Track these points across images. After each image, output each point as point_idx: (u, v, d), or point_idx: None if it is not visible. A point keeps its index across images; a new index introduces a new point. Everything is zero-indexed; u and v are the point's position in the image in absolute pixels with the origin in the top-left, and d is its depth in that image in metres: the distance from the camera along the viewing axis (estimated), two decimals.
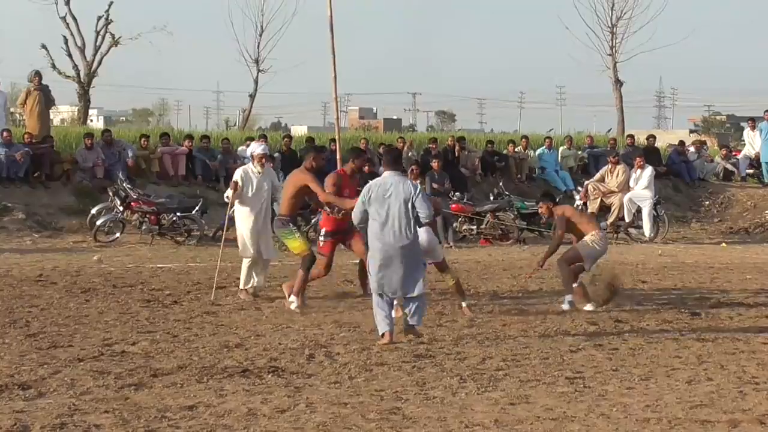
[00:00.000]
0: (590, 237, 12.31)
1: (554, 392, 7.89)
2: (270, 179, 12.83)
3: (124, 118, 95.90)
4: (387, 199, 9.76)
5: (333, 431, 6.81)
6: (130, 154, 22.03)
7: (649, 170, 22.09)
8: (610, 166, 22.42)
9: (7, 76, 69.45)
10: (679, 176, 26.70)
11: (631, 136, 28.35)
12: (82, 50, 35.03)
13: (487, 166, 24.89)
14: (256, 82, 36.70)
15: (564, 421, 7.05)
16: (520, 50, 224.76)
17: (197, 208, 19.64)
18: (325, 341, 9.84)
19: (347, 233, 12.04)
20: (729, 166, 27.65)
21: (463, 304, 11.61)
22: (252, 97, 37.58)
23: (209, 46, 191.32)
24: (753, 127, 27.59)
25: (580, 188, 22.93)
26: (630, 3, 36.69)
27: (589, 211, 21.07)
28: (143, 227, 19.46)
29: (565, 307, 12.05)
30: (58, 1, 34.69)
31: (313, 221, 18.64)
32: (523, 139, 26.42)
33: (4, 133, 20.95)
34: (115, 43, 35.31)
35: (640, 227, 21.87)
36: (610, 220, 21.45)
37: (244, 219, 12.66)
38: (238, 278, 12.92)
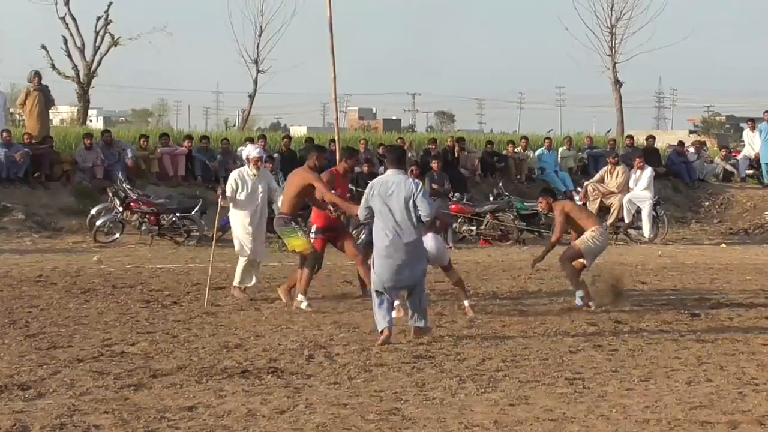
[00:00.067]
0: (590, 233, 12.31)
1: (554, 393, 7.89)
2: (266, 182, 12.77)
3: (123, 119, 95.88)
4: (389, 197, 9.80)
5: None
6: (130, 155, 22.02)
7: (648, 171, 22.10)
8: (609, 167, 22.42)
9: (7, 76, 69.55)
10: (678, 177, 26.71)
11: (631, 137, 28.36)
12: (81, 50, 35.04)
13: (486, 166, 24.89)
14: (255, 82, 36.73)
15: (563, 422, 7.05)
16: (519, 51, 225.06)
17: (197, 208, 19.64)
18: (324, 342, 9.84)
19: (338, 232, 12.08)
20: (728, 167, 27.66)
21: (465, 303, 11.63)
22: (251, 97, 37.60)
23: (209, 47, 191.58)
24: (753, 128, 27.60)
25: (579, 189, 22.94)
26: (629, 3, 36.70)
27: None
28: (143, 228, 19.46)
29: (578, 303, 12.06)
30: (58, 2, 34.75)
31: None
32: (523, 140, 26.42)
33: (4, 134, 20.94)
34: (115, 43, 35.33)
35: (639, 228, 21.88)
36: (610, 220, 21.44)
37: (239, 221, 12.63)
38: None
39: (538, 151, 25.76)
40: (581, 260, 12.39)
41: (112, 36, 35.26)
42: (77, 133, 24.46)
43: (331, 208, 11.76)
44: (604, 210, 21.82)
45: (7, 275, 14.59)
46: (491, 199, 22.10)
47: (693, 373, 8.71)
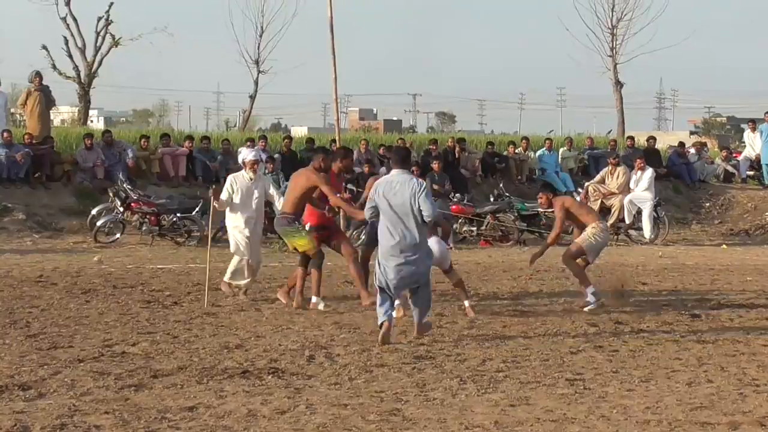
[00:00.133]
0: (591, 230, 12.32)
1: (554, 394, 7.89)
2: (263, 185, 12.73)
3: (124, 119, 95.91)
4: (394, 197, 9.83)
5: None
6: (131, 155, 22.04)
7: (649, 172, 22.10)
8: (610, 168, 22.42)
9: (8, 76, 69.43)
10: (679, 178, 26.71)
11: (632, 138, 28.37)
12: (82, 51, 35.08)
13: (487, 167, 24.90)
14: (256, 83, 36.79)
15: (564, 423, 7.04)
16: (520, 51, 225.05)
17: (197, 209, 19.62)
18: (325, 342, 9.84)
19: (331, 230, 12.09)
20: (729, 168, 27.66)
21: (466, 304, 11.64)
22: (252, 98, 37.65)
23: (209, 47, 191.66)
24: (753, 129, 27.60)
25: (580, 190, 22.94)
26: (630, 4, 36.79)
27: None
28: (143, 228, 19.47)
29: (590, 299, 12.05)
30: (59, 2, 34.81)
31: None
32: (524, 141, 26.43)
33: (5, 134, 20.96)
34: (116, 43, 35.37)
35: (640, 229, 21.87)
36: (611, 221, 21.43)
37: (235, 225, 12.60)
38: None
39: (538, 152, 25.76)
40: (585, 257, 12.41)
41: (113, 36, 35.31)
42: (78, 134, 24.49)
43: (329, 210, 11.78)
44: (604, 211, 21.80)
45: (8, 275, 14.59)
46: (492, 199, 22.11)
47: (694, 374, 8.71)
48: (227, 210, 12.64)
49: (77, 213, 20.55)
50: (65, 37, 34.95)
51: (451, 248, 19.23)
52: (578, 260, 12.41)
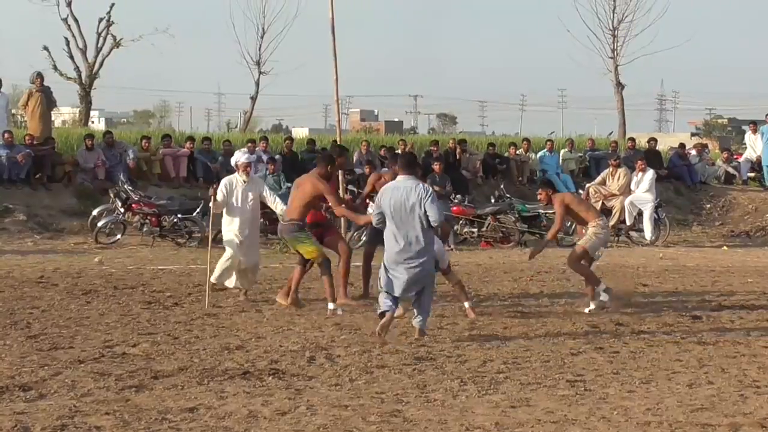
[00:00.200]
0: (592, 229, 12.35)
1: (555, 395, 7.89)
2: (257, 188, 12.69)
3: (125, 120, 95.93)
4: (400, 203, 9.82)
5: None
6: (131, 156, 22.04)
7: (650, 173, 22.10)
8: (611, 169, 22.43)
9: (9, 77, 69.61)
10: (680, 179, 26.71)
11: (633, 139, 28.37)
12: (83, 52, 35.12)
13: (488, 168, 24.91)
14: (257, 84, 36.80)
15: (565, 424, 7.05)
16: (521, 53, 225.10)
17: (198, 209, 19.62)
18: (325, 343, 9.83)
19: (325, 228, 12.10)
20: (730, 170, 27.65)
21: (466, 305, 11.63)
22: (253, 99, 37.66)
23: (210, 48, 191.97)
24: (754, 131, 27.60)
25: (581, 191, 22.91)
26: (631, 6, 36.77)
27: None
28: (144, 229, 19.48)
29: (604, 298, 12.07)
30: (60, 3, 34.87)
31: None
32: (525, 142, 26.44)
33: (6, 135, 20.97)
34: (117, 44, 35.42)
35: (641, 230, 21.87)
36: (611, 223, 21.40)
37: (229, 228, 12.59)
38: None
39: (539, 153, 25.76)
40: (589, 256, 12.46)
41: (114, 37, 35.36)
42: (79, 134, 24.51)
43: (326, 210, 11.80)
44: (605, 212, 21.80)
45: (9, 276, 14.60)
46: (493, 201, 22.12)
47: (694, 375, 8.71)
48: (223, 212, 12.63)
49: (78, 214, 20.56)
50: (66, 38, 35.01)
51: (451, 249, 19.34)
52: (584, 260, 12.45)
